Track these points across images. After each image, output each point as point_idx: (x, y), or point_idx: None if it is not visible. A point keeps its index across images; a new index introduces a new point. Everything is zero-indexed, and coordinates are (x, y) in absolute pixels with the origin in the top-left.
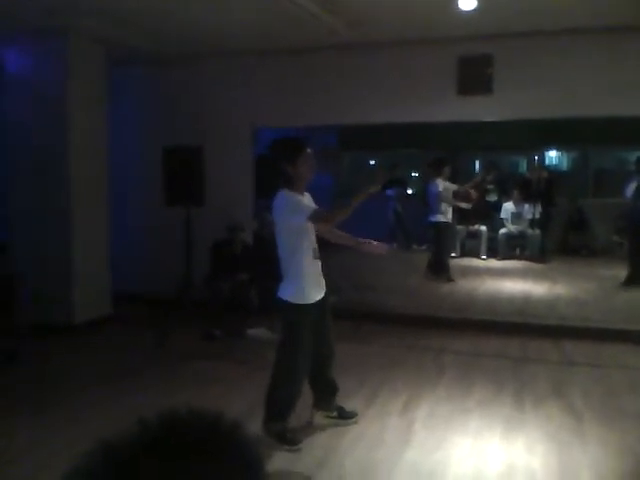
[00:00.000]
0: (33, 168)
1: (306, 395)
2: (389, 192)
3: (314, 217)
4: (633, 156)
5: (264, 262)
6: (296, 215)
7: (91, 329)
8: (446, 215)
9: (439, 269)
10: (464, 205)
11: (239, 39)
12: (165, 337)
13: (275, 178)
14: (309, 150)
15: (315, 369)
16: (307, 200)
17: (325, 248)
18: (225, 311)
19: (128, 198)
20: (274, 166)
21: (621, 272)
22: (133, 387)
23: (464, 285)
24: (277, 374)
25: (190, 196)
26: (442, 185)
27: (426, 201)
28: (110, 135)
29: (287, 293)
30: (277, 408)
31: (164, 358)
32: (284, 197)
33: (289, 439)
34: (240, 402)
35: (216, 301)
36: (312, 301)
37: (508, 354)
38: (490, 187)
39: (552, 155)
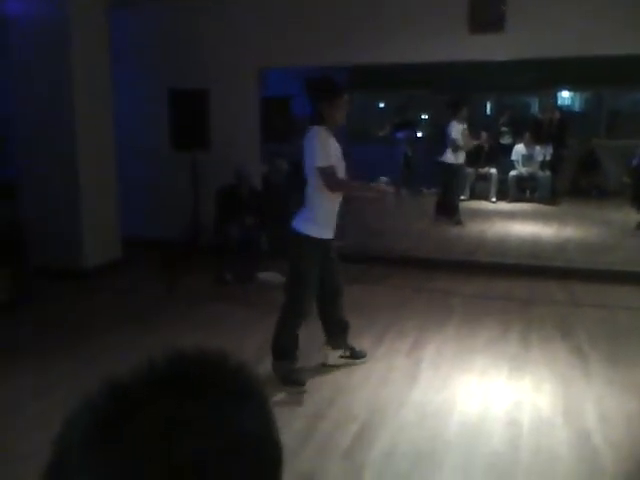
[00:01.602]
0: (38, 113)
1: (319, 337)
2: (399, 135)
3: (323, 174)
4: None
5: (273, 206)
6: (317, 157)
7: (102, 273)
8: (457, 157)
9: (447, 211)
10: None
11: None
12: (176, 281)
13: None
14: (346, 96)
15: (325, 307)
16: (334, 148)
17: None
18: (235, 255)
19: (134, 142)
20: (310, 102)
21: (631, 214)
22: (147, 329)
23: (473, 228)
24: (284, 313)
25: (196, 140)
26: (456, 130)
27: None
28: (114, 78)
29: (302, 224)
30: (283, 347)
31: (176, 301)
32: (319, 133)
33: (294, 380)
34: (251, 344)
35: (226, 245)
36: (324, 237)
37: (516, 296)
38: (504, 129)
39: (565, 95)
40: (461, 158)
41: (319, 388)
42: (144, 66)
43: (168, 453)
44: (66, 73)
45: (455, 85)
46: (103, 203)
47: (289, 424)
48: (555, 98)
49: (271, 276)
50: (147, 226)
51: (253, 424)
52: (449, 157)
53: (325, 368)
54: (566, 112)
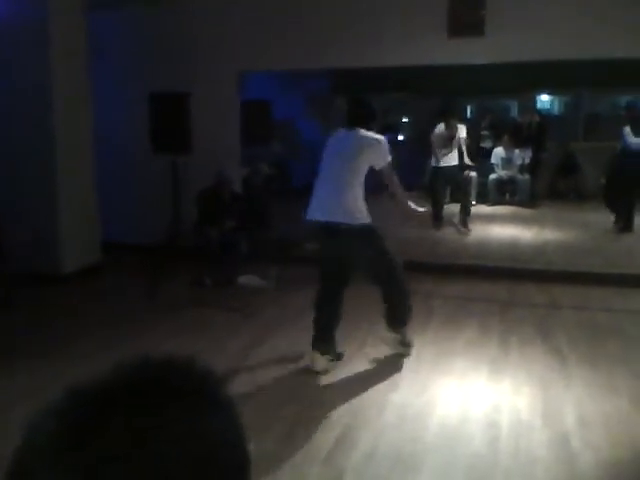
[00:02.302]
0: (16, 115)
1: (302, 342)
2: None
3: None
4: (625, 100)
5: (253, 210)
6: (387, 154)
7: (81, 278)
8: (440, 160)
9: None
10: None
11: None
12: (156, 285)
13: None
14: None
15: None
16: None
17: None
18: (215, 259)
19: (115, 145)
20: (367, 114)
21: (609, 217)
22: (125, 335)
23: (454, 231)
24: (399, 289)
25: (177, 144)
26: (436, 134)
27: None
28: (95, 81)
29: (361, 218)
30: (406, 315)
31: (155, 306)
32: (382, 139)
33: (408, 342)
34: (231, 348)
35: (205, 248)
36: None
37: (496, 298)
38: (485, 133)
39: (544, 99)
40: (449, 160)
41: (301, 390)
42: (125, 69)
43: (134, 461)
44: (45, 74)
45: (436, 88)
46: (82, 207)
47: (270, 428)
48: (534, 102)
49: (251, 279)
50: (127, 230)
51: (220, 430)
52: (433, 161)
53: (305, 372)
54: (545, 115)
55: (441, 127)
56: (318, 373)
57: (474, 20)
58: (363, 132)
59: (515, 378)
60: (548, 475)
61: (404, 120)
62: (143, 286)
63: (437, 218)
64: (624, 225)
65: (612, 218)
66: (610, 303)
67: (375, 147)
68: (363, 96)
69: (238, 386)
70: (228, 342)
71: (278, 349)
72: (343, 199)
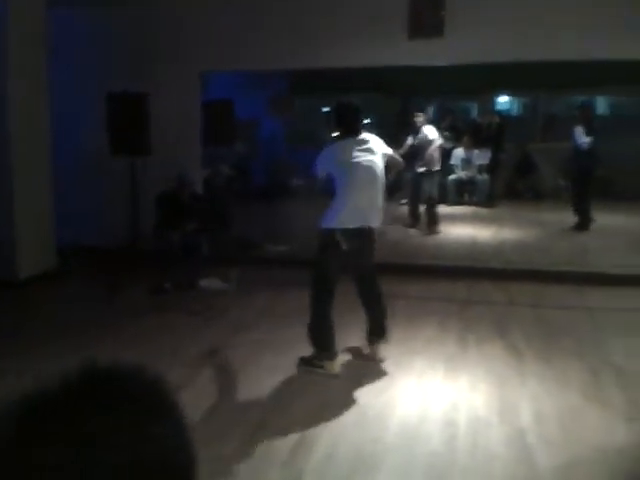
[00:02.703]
0: None
1: (263, 347)
2: None
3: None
4: (580, 101)
5: (215, 212)
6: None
7: (37, 284)
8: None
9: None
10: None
11: None
12: (115, 290)
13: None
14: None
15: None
16: None
17: (278, 195)
18: (176, 262)
19: (72, 146)
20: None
21: (566, 215)
22: (81, 342)
23: (415, 231)
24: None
25: (136, 145)
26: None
27: None
28: (55, 79)
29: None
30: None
31: (114, 311)
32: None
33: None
34: (191, 354)
35: (166, 251)
36: None
37: (455, 297)
38: (445, 134)
39: (503, 100)
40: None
41: (261, 393)
42: (84, 68)
43: (79, 468)
44: (1, 70)
45: (397, 88)
46: (37, 210)
47: (231, 432)
48: (493, 103)
49: (212, 282)
50: (86, 234)
51: (164, 435)
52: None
53: (268, 373)
54: (504, 116)
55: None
56: (274, 372)
57: (433, 21)
58: (372, 137)
59: (473, 375)
60: (505, 472)
61: (366, 121)
62: (102, 291)
63: (414, 217)
64: (580, 223)
65: (574, 218)
66: (565, 300)
67: (384, 147)
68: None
69: (199, 391)
70: (189, 347)
71: (240, 353)
72: (378, 205)
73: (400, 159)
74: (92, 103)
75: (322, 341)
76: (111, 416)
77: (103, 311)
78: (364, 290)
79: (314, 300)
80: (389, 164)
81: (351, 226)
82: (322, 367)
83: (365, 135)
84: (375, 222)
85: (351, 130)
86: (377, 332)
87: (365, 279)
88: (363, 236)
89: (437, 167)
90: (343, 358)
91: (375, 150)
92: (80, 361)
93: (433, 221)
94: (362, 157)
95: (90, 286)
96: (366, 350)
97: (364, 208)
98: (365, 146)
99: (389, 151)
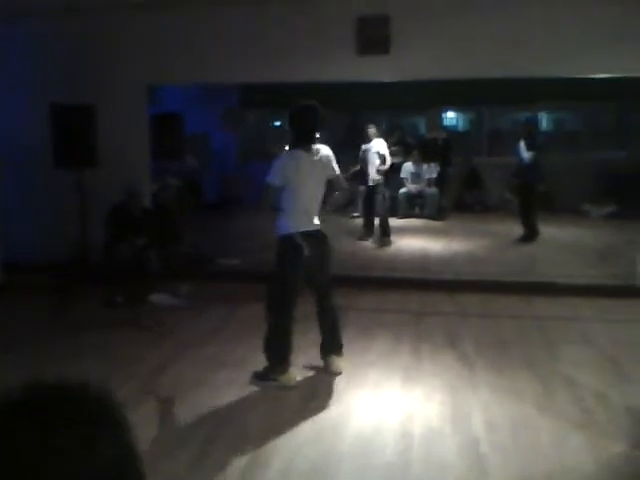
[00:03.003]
0: None
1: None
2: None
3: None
4: (524, 117)
5: (164, 226)
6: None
7: None
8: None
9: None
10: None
11: None
12: (62, 306)
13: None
14: None
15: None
16: None
17: (230, 208)
18: (126, 276)
19: (15, 160)
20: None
21: (513, 227)
22: (25, 359)
23: (366, 244)
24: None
25: (82, 157)
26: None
27: None
28: None
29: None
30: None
31: (62, 327)
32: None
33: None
34: (142, 370)
35: (116, 266)
36: None
37: (407, 309)
38: (393, 149)
39: (450, 116)
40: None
41: (214, 411)
42: (27, 80)
43: None
44: None
45: (346, 104)
46: None
47: (182, 450)
48: (440, 118)
49: (163, 298)
50: (31, 248)
51: (111, 451)
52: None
53: (220, 386)
54: (451, 132)
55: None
56: (229, 385)
57: (379, 38)
58: (325, 149)
59: (427, 386)
60: None
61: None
62: (48, 306)
63: (368, 230)
64: (526, 235)
65: (521, 230)
66: (514, 310)
67: (334, 164)
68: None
69: (150, 407)
70: (140, 362)
71: (192, 368)
72: (317, 211)
73: (344, 183)
74: (36, 116)
75: (278, 354)
76: (57, 433)
77: (49, 326)
78: (320, 302)
79: (273, 312)
80: (334, 183)
81: (307, 229)
82: (276, 380)
83: (319, 146)
84: (318, 225)
85: (307, 137)
86: (331, 346)
87: (321, 291)
88: (320, 240)
89: (381, 180)
90: (298, 370)
91: (324, 162)
92: (24, 377)
93: (385, 233)
94: (313, 166)
95: (36, 301)
96: (320, 363)
97: (311, 212)
98: (317, 156)
99: (337, 171)
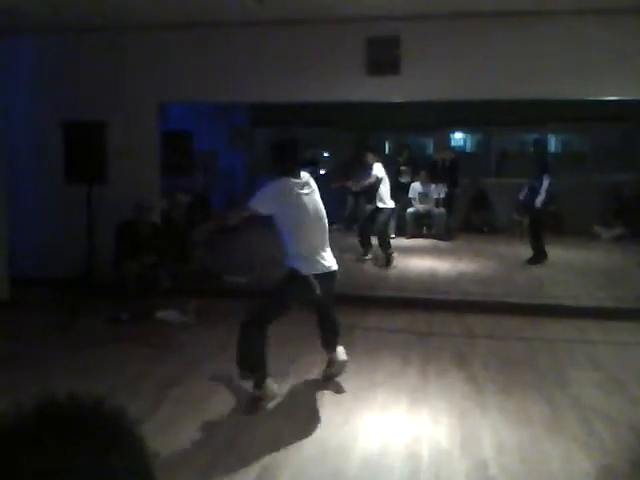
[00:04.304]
0: None
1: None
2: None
3: None
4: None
5: (173, 243)
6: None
7: None
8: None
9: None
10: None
11: (144, 12)
12: (69, 322)
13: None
14: None
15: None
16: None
17: (238, 226)
18: (133, 294)
19: (25, 176)
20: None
21: (520, 249)
22: (32, 374)
23: (369, 262)
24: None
25: (92, 174)
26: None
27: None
28: (8, 107)
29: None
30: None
31: (68, 344)
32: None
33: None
34: (146, 388)
35: (123, 283)
36: None
37: (414, 329)
38: (403, 168)
39: (458, 137)
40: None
41: (219, 427)
42: (40, 96)
43: None
44: None
45: (355, 124)
46: None
47: (186, 472)
48: (449, 139)
49: (170, 315)
50: (40, 264)
51: (126, 469)
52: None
53: (227, 405)
54: (459, 152)
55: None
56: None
57: (390, 59)
58: (310, 178)
59: (434, 408)
60: None
61: (325, 155)
62: (55, 323)
63: (365, 250)
64: (535, 257)
65: (527, 251)
66: (522, 332)
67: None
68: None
69: (157, 424)
70: (147, 379)
71: (198, 386)
72: (328, 245)
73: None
74: (48, 131)
75: (257, 367)
76: (71, 450)
77: (56, 342)
78: (320, 319)
79: (256, 326)
80: None
81: (323, 270)
82: (265, 397)
83: (304, 175)
84: (334, 263)
85: (291, 168)
86: (332, 343)
87: (322, 312)
88: (332, 279)
89: (388, 204)
90: (302, 388)
91: (315, 190)
92: (36, 393)
93: (385, 257)
94: (308, 197)
95: (43, 317)
96: (330, 382)
97: (319, 249)
98: (307, 188)
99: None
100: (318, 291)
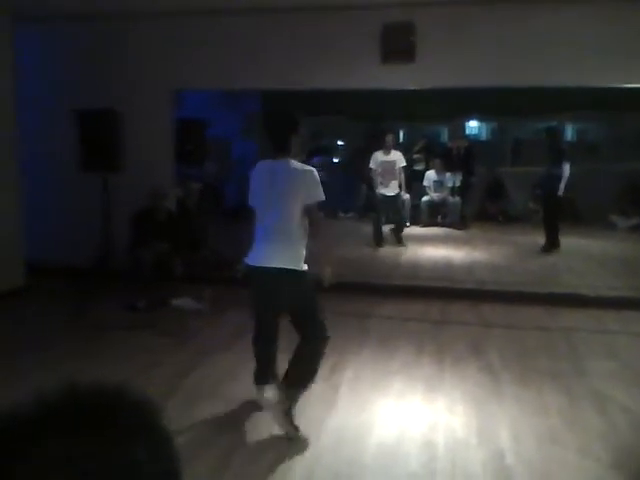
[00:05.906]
0: None
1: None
2: (315, 160)
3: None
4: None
5: (188, 230)
6: (321, 191)
7: (3, 301)
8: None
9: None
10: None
11: None
12: (85, 308)
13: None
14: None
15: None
16: None
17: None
18: (148, 281)
19: (40, 163)
20: (278, 135)
21: (536, 238)
22: (47, 361)
23: (389, 251)
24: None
25: (107, 162)
26: (374, 160)
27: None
28: (21, 96)
29: (300, 263)
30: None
31: (83, 330)
32: (314, 171)
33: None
34: (162, 375)
35: (138, 271)
36: None
37: (429, 317)
38: (417, 157)
39: (473, 125)
40: (387, 188)
41: (237, 416)
42: (53, 84)
43: None
44: None
45: (371, 113)
46: (4, 227)
47: (204, 457)
48: (463, 127)
49: (185, 302)
50: (55, 251)
51: (150, 459)
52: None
53: (242, 396)
54: (474, 141)
55: (377, 156)
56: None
57: (405, 46)
58: (294, 163)
59: (450, 397)
60: None
61: (339, 143)
62: (70, 310)
63: (378, 239)
64: (548, 245)
65: (543, 240)
66: (539, 321)
67: (309, 181)
68: (281, 110)
69: (173, 411)
70: (163, 367)
71: (214, 374)
72: (287, 240)
73: (318, 216)
74: (63, 119)
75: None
76: (96, 438)
77: (71, 329)
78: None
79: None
80: (306, 212)
81: (259, 264)
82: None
83: (288, 163)
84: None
85: (275, 148)
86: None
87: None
88: (274, 279)
89: (403, 190)
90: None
91: (299, 180)
92: (58, 379)
93: (399, 238)
94: (283, 181)
95: (58, 304)
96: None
97: (272, 240)
98: (291, 172)
99: (315, 199)
100: (253, 290)
